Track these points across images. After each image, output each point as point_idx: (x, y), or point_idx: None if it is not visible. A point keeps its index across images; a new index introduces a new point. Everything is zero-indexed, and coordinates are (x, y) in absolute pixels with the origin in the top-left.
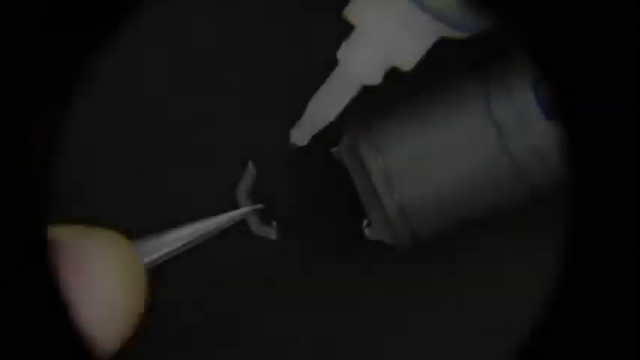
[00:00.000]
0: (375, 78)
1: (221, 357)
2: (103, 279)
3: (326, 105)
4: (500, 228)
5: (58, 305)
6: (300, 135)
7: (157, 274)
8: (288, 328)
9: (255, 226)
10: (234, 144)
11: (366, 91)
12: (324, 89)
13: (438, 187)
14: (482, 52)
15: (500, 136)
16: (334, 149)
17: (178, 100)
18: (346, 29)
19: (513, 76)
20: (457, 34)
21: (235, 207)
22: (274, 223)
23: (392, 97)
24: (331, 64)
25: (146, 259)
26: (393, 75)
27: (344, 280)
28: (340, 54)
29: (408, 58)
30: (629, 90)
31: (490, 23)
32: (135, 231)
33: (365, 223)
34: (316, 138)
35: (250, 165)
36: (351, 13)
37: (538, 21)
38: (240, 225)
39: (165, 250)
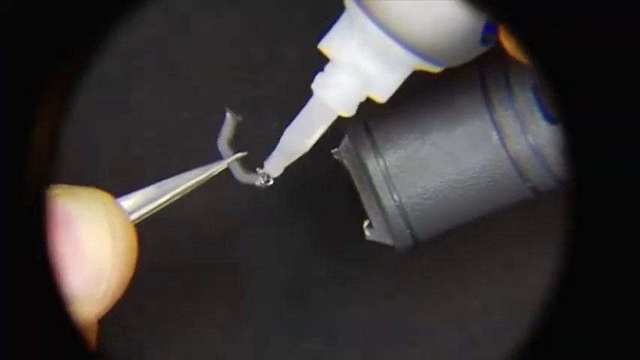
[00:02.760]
0: (350, 109)
1: (219, 356)
2: (91, 237)
3: (301, 136)
4: (499, 229)
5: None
6: (274, 166)
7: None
8: (288, 327)
9: (240, 174)
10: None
11: None
12: (298, 120)
13: (438, 189)
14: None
15: (500, 138)
16: (335, 150)
17: (180, 100)
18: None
19: (513, 77)
20: (431, 68)
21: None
22: (259, 170)
23: (392, 98)
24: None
25: (132, 216)
26: None
27: (343, 280)
28: (315, 86)
29: (383, 90)
30: (629, 91)
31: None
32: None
33: (365, 224)
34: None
35: (229, 115)
36: (326, 46)
37: (538, 21)
38: (244, 226)
39: (151, 206)
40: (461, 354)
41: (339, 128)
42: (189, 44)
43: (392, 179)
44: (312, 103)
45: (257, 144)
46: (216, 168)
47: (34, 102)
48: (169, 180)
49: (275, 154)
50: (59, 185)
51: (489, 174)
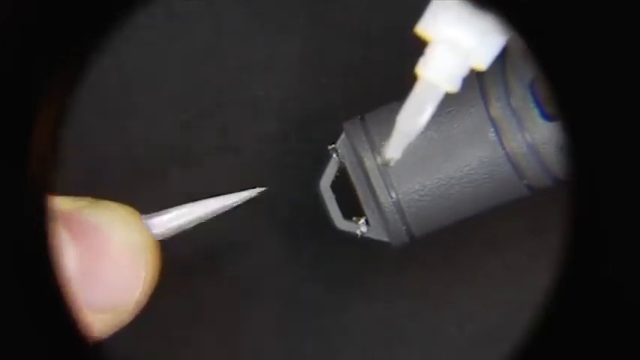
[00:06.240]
0: (455, 85)
1: (219, 356)
2: (124, 247)
3: (413, 118)
4: (498, 228)
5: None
6: (394, 149)
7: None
8: (287, 328)
9: (339, 220)
10: (234, 143)
11: (364, 89)
12: (409, 103)
13: (435, 185)
14: None
15: (497, 135)
16: (332, 146)
17: (179, 101)
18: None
19: (510, 74)
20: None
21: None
22: (354, 218)
23: (389, 94)
24: (334, 60)
25: (155, 232)
26: (391, 74)
27: (343, 280)
28: (419, 69)
29: (484, 59)
30: (627, 88)
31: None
32: None
33: (362, 220)
34: (314, 136)
35: (335, 156)
36: (422, 30)
37: (537, 20)
38: (245, 226)
39: (174, 225)
40: (461, 354)
41: (336, 124)
42: (190, 44)
43: (389, 176)
44: (418, 85)
45: (257, 144)
46: (241, 198)
47: (34, 102)
48: (192, 204)
49: (393, 138)
50: (82, 198)
51: (486, 171)
